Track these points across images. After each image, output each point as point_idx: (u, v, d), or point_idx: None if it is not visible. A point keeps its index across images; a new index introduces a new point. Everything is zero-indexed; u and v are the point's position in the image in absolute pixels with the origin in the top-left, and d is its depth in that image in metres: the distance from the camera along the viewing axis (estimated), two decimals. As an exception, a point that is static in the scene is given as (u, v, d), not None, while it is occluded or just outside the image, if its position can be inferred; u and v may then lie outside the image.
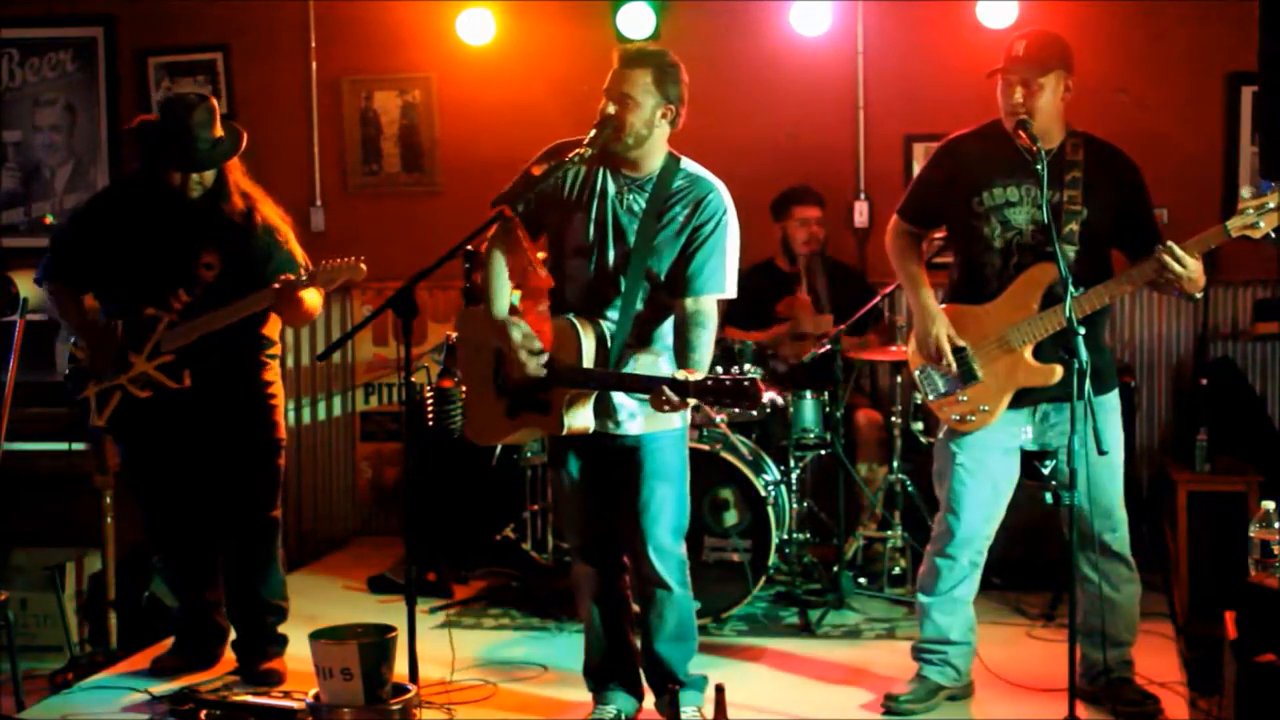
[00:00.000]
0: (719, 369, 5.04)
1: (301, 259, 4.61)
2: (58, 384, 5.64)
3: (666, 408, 3.67)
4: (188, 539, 4.77)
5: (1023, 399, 4.20)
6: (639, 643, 4.22)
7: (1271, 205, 3.89)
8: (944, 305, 4.30)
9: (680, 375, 3.63)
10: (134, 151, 6.73)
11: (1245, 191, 4.01)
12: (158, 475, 4.71)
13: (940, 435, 4.38)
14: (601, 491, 4.12)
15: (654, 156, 3.96)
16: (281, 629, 4.77)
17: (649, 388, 3.70)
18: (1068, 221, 4.10)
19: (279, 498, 4.76)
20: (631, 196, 3.96)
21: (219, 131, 4.49)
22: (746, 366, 5.48)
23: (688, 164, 4.00)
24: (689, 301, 3.90)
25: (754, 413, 3.56)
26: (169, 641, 4.95)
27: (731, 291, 3.98)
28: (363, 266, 4.46)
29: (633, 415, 3.99)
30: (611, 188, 3.98)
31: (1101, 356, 4.18)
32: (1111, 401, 4.23)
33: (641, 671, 4.23)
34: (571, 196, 4.01)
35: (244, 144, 4.57)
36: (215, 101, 4.53)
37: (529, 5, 6.64)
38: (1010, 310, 4.17)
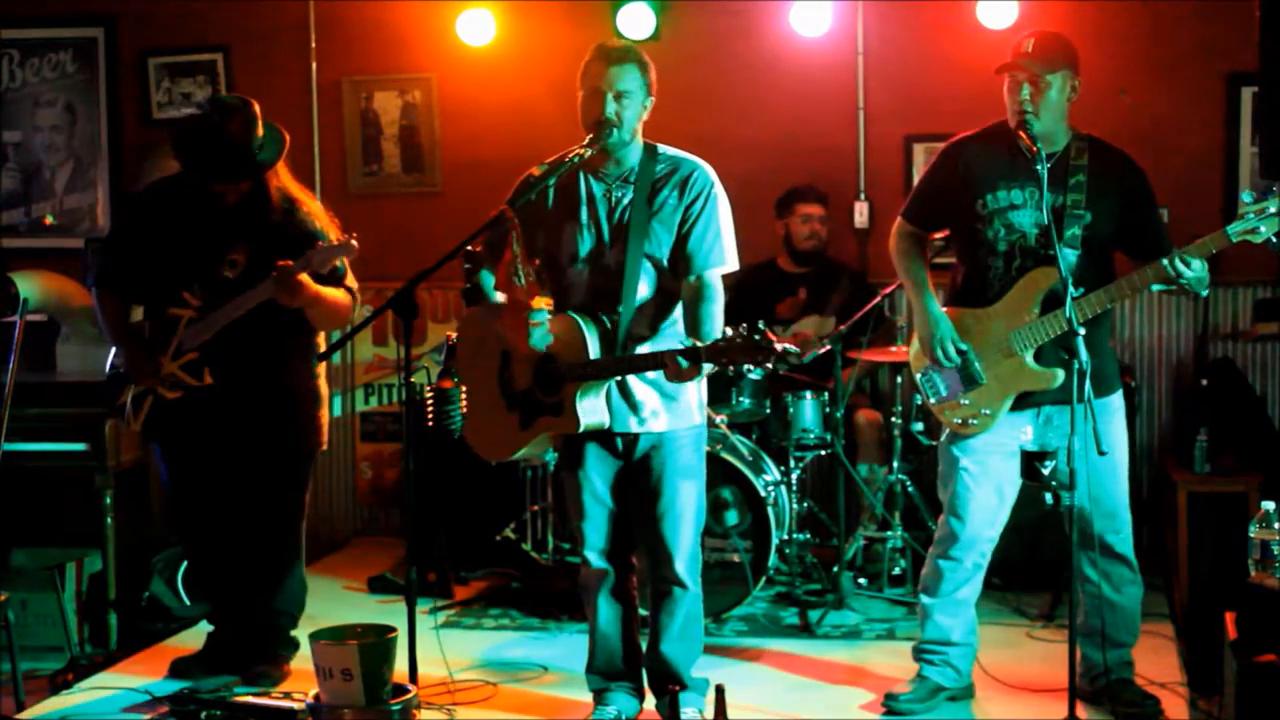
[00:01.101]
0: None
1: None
2: (58, 384, 5.67)
3: (679, 378, 3.69)
4: (220, 551, 4.71)
5: (1024, 401, 4.20)
6: (644, 644, 4.22)
7: (1272, 210, 3.88)
8: (945, 308, 4.30)
9: (690, 343, 3.66)
10: (136, 151, 6.84)
11: (1247, 195, 4.01)
12: (193, 478, 4.66)
13: (942, 439, 4.38)
14: (622, 491, 4.12)
15: (634, 149, 4.00)
16: (292, 632, 4.77)
17: (659, 362, 3.73)
18: (1070, 225, 4.08)
19: (304, 504, 4.73)
20: (618, 192, 3.98)
21: (260, 133, 4.45)
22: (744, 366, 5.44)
23: (664, 148, 4.04)
24: (693, 280, 3.95)
25: (769, 366, 3.59)
26: (169, 643, 4.94)
27: (733, 263, 4.02)
28: (354, 243, 4.36)
29: (655, 413, 4.01)
30: (597, 188, 3.99)
31: (1103, 359, 4.17)
32: (1114, 403, 4.23)
33: (645, 672, 4.24)
34: (557, 209, 4.02)
35: (287, 148, 4.54)
36: (257, 106, 4.48)
37: (529, 5, 6.63)
38: (1011, 314, 4.16)
